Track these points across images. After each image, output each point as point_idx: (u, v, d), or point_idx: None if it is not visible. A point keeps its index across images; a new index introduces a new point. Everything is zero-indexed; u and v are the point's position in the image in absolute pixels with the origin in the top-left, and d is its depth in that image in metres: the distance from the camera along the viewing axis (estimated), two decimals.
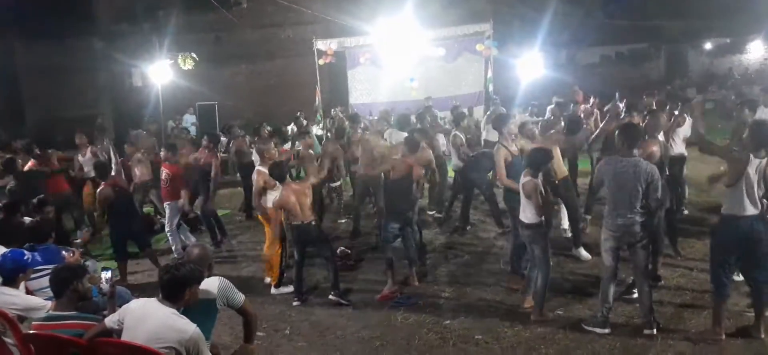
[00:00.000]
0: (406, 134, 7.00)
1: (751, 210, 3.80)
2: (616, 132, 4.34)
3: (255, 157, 7.32)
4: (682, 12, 21.11)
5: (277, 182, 5.31)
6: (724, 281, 3.96)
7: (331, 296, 5.21)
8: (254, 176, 6.00)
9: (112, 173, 6.48)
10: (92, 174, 7.58)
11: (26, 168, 7.15)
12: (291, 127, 12.07)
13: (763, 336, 4.00)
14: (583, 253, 5.84)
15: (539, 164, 4.53)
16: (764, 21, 18.81)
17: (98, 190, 6.13)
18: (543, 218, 4.49)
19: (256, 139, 9.08)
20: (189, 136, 10.38)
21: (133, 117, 14.07)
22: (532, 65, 12.19)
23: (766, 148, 3.80)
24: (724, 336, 4.02)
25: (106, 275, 3.55)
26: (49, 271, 3.56)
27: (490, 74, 11.89)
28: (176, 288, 2.83)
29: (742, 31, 21.44)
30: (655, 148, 4.81)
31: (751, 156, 3.77)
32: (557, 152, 5.69)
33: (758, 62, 22.60)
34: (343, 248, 6.47)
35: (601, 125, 6.88)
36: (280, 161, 5.84)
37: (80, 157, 8.05)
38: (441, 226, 7.52)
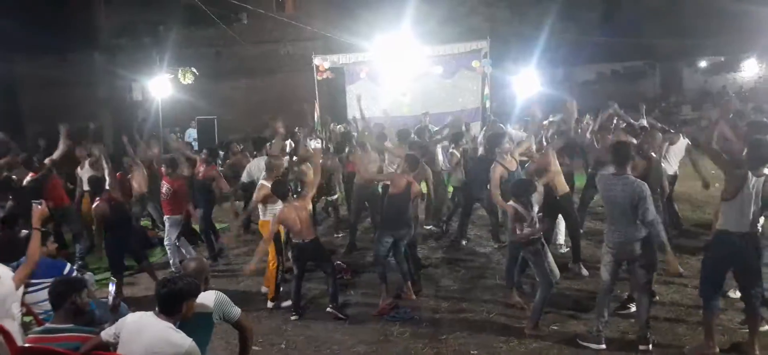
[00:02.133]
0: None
1: (745, 226, 3.84)
2: (609, 150, 4.41)
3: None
4: (677, 30, 21.35)
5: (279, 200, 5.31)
6: (714, 296, 4.00)
7: (328, 309, 5.21)
8: (256, 191, 6.05)
9: (107, 186, 6.37)
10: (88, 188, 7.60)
11: (25, 181, 7.13)
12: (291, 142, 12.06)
13: (757, 353, 4.01)
14: (583, 269, 5.87)
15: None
16: (758, 40, 19.03)
17: (93, 206, 6.06)
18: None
19: (254, 153, 9.11)
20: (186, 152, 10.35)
21: (133, 131, 14.11)
22: (529, 82, 12.29)
23: (765, 166, 3.81)
24: (717, 350, 4.04)
25: (111, 288, 3.53)
26: (46, 284, 3.57)
27: (487, 91, 12.00)
28: (173, 302, 2.83)
29: (737, 49, 21.69)
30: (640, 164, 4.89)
31: (749, 173, 3.79)
32: (557, 167, 5.74)
33: (752, 81, 22.82)
34: (339, 262, 6.48)
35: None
36: (283, 180, 5.80)
37: (79, 170, 8.05)
38: (438, 240, 7.54)
